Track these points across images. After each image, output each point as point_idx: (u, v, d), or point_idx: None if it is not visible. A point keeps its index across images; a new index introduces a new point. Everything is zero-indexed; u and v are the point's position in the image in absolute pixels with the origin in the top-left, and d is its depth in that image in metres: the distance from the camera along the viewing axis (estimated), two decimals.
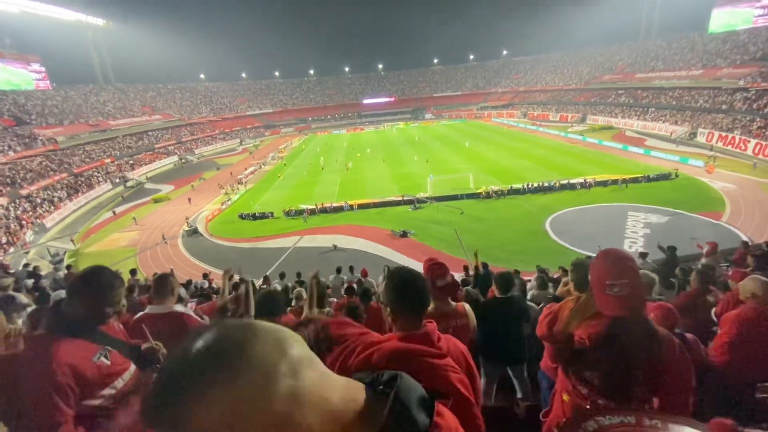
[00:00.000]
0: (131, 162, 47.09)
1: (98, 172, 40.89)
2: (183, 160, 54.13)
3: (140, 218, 28.67)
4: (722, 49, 49.23)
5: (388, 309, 1.33)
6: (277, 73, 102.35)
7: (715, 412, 2.65)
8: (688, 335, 2.50)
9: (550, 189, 25.73)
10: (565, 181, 26.35)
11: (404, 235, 20.76)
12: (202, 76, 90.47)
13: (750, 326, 2.51)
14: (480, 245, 18.42)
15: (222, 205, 29.72)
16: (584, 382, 1.44)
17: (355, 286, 6.30)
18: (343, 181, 34.03)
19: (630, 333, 1.34)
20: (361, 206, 26.08)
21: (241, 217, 26.33)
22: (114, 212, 30.82)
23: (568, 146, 41.37)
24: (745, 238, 15.49)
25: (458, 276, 9.36)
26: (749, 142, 31.14)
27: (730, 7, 51.52)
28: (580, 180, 26.30)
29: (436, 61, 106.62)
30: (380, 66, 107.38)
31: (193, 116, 70.57)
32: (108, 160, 44.53)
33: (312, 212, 25.55)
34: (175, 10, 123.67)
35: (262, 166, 45.32)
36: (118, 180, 40.95)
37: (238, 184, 36.03)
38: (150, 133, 57.96)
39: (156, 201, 33.55)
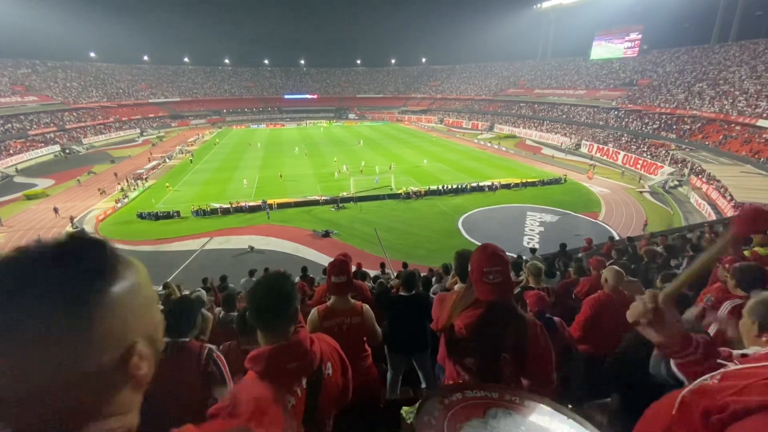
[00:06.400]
0: None
1: None
2: (67, 151, 46.52)
3: (7, 218, 23.94)
4: (600, 73, 58.09)
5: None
6: (186, 59, 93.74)
7: (578, 384, 3.14)
8: (556, 318, 2.92)
9: (462, 191, 27.67)
10: (475, 184, 28.59)
11: (326, 235, 20.54)
12: (92, 54, 78.72)
13: (600, 308, 3.03)
14: (400, 244, 19.15)
15: (117, 203, 26.21)
16: (465, 368, 1.59)
17: None
18: (261, 178, 32.48)
19: (500, 320, 1.52)
20: (281, 205, 25.14)
21: (141, 216, 23.53)
22: None
23: (478, 152, 45.01)
24: (614, 234, 18.48)
25: (374, 273, 9.60)
26: (619, 153, 37.15)
27: (605, 39, 61.34)
28: (488, 183, 28.78)
29: (359, 61, 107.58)
30: (302, 61, 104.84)
31: (80, 100, 60.98)
32: None
33: (226, 211, 23.92)
34: None
35: (167, 160, 41.01)
36: None
37: (138, 179, 32.08)
38: (22, 116, 48.76)
39: (29, 197, 28.30)
